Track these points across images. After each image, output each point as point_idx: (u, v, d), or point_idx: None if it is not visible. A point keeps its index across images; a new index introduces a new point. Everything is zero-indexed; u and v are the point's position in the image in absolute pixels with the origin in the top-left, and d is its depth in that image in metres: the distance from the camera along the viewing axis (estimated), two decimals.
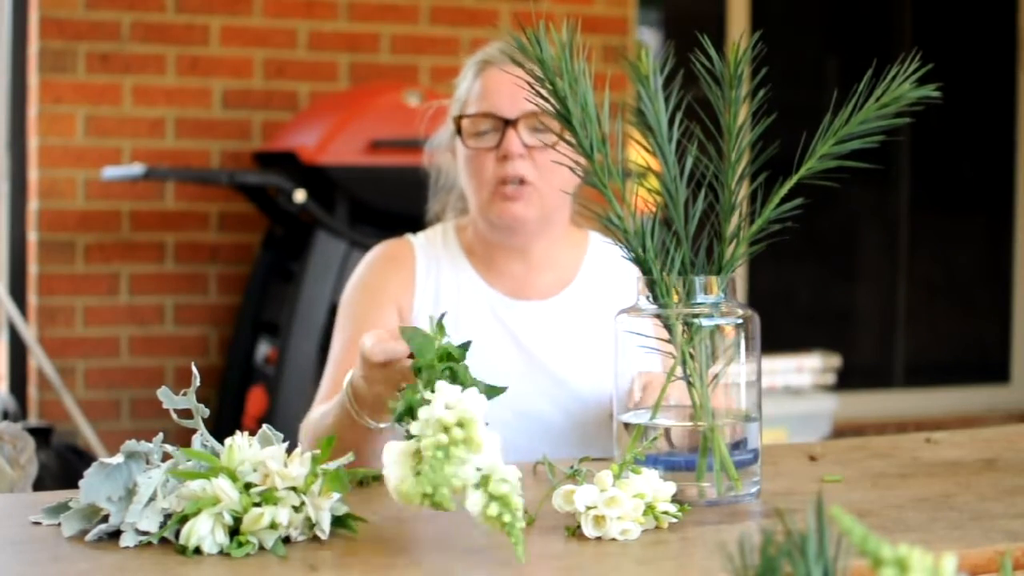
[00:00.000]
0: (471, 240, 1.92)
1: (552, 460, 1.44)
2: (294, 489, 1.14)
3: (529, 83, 1.35)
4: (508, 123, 1.81)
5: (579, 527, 1.18)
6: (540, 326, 1.87)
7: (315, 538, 1.17)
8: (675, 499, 1.23)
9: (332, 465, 1.18)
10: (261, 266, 3.78)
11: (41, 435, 3.14)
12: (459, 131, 1.85)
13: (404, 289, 1.88)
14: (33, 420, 3.66)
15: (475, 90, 1.85)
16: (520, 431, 1.80)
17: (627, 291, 1.89)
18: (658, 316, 1.34)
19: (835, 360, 4.32)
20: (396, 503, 1.23)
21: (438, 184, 2.00)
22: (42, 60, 3.72)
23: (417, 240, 1.93)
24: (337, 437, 1.60)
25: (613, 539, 1.17)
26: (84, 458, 3.26)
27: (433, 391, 1.13)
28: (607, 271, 1.91)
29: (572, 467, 1.43)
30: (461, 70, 1.92)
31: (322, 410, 1.70)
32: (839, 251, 4.98)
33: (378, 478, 1.47)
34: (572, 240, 1.93)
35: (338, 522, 1.18)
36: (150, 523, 1.14)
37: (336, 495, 1.16)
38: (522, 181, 1.81)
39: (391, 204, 3.40)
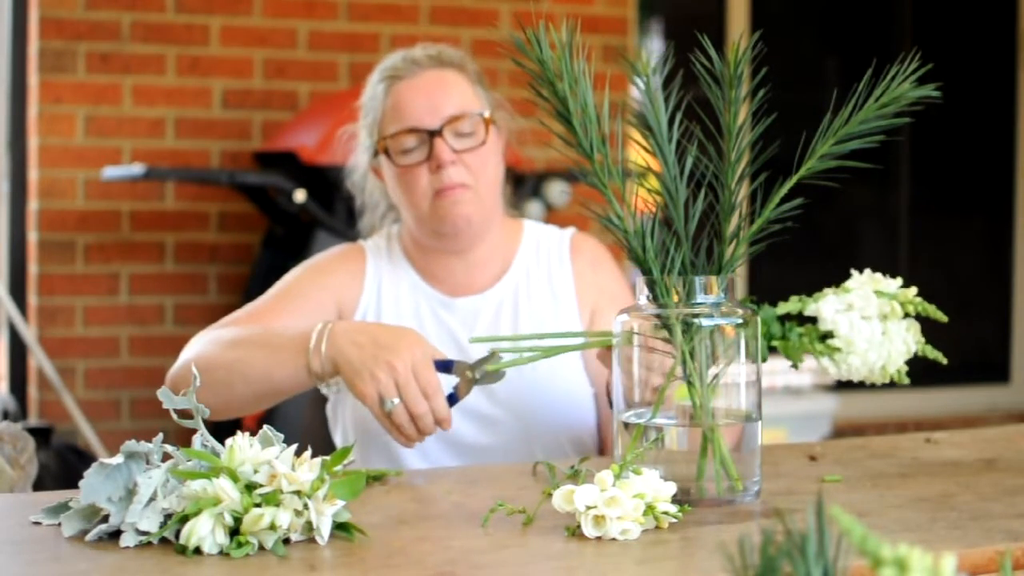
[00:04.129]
0: (408, 246, 1.94)
1: (543, 459, 1.44)
2: (298, 493, 1.14)
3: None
4: (433, 134, 1.82)
5: (579, 527, 1.18)
6: (477, 320, 1.89)
7: (314, 539, 1.17)
8: (675, 499, 1.23)
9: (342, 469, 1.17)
10: (261, 266, 3.77)
11: (41, 435, 3.14)
12: (385, 152, 1.86)
13: (352, 289, 1.90)
14: (33, 420, 3.66)
15: (389, 108, 1.86)
16: (465, 427, 1.83)
17: (559, 269, 1.92)
18: (658, 316, 1.34)
19: None
20: (395, 504, 1.23)
21: (364, 204, 2.01)
22: (42, 60, 3.72)
23: (368, 246, 1.96)
24: (256, 374, 1.66)
25: (613, 539, 1.17)
26: (84, 458, 3.26)
27: None
28: (540, 254, 1.93)
29: (572, 467, 1.43)
30: (365, 88, 1.92)
31: (247, 338, 1.71)
32: (839, 251, 4.98)
33: (379, 478, 1.47)
34: (508, 232, 1.95)
35: (338, 528, 1.18)
36: (150, 523, 1.14)
37: (341, 502, 1.16)
38: (460, 186, 1.82)
39: None
